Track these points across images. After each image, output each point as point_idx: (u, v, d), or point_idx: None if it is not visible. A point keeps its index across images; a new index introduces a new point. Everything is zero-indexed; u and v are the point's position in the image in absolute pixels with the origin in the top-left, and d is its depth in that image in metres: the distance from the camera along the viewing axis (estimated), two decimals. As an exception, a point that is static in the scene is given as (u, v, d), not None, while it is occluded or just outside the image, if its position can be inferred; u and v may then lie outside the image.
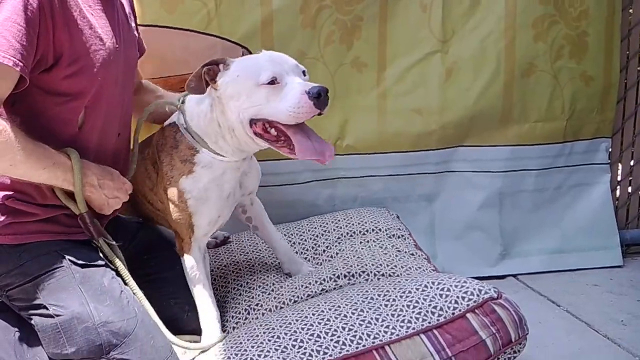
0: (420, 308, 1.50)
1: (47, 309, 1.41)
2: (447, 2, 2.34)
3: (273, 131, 1.52)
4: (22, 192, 1.43)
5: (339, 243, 2.02)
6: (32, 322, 1.44)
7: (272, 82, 1.47)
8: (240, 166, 1.67)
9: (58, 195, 1.46)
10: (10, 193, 1.43)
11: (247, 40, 2.18)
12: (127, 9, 1.66)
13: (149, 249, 1.76)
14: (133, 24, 1.70)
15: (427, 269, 1.81)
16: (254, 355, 1.43)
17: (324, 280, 1.75)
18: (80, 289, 1.42)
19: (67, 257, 1.45)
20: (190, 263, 1.65)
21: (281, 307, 1.70)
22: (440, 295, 1.51)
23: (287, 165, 2.30)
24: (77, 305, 1.40)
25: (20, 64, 1.27)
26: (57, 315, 1.40)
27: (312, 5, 2.22)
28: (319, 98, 1.43)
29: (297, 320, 1.51)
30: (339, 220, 2.13)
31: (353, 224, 2.10)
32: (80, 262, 1.46)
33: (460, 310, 1.49)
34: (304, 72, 1.55)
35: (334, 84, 2.31)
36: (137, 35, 1.73)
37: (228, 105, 1.53)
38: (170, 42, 2.05)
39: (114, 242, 1.54)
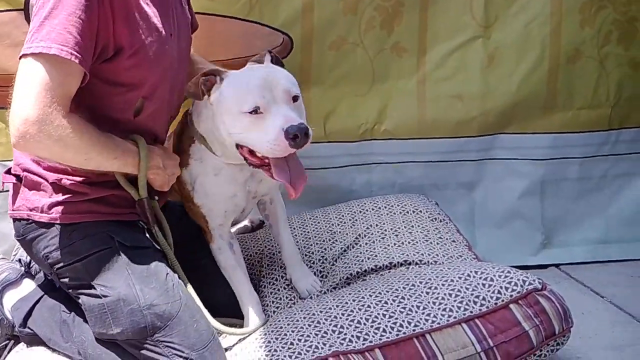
0: (462, 297, 1.49)
1: (94, 289, 1.44)
2: (490, -13, 2.29)
3: (259, 154, 1.51)
4: (74, 173, 1.46)
5: (380, 225, 1.99)
6: (80, 301, 1.48)
7: (255, 111, 1.46)
8: (242, 171, 1.65)
9: (119, 181, 1.50)
10: (62, 172, 1.47)
11: (288, 26, 2.18)
12: None
13: (192, 234, 1.79)
14: (186, 5, 1.72)
15: (468, 257, 1.80)
16: (294, 339, 1.45)
17: (366, 271, 1.75)
18: (127, 270, 1.45)
19: (115, 238, 1.48)
20: (216, 250, 1.69)
21: (324, 292, 1.71)
22: (483, 285, 1.50)
23: (324, 149, 2.31)
24: (123, 287, 1.43)
25: (85, 62, 1.31)
26: (104, 296, 1.43)
27: (354, -8, 2.21)
28: (296, 140, 1.42)
29: (337, 306, 1.52)
30: (378, 203, 2.11)
31: (393, 206, 2.08)
32: (128, 243, 1.49)
33: (503, 301, 1.48)
34: (295, 97, 1.52)
35: (373, 69, 2.30)
36: (189, 16, 1.75)
37: (219, 120, 1.54)
38: (212, 28, 2.06)
39: (167, 228, 1.57)
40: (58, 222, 1.47)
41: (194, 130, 1.64)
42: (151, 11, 1.47)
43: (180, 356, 1.40)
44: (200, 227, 1.74)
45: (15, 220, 1.54)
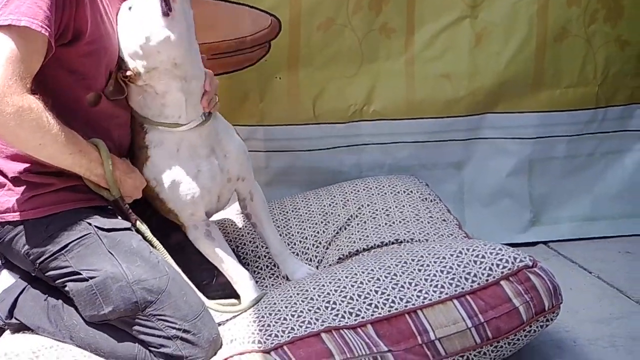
0: (454, 274, 1.51)
1: (80, 274, 1.44)
2: (477, -34, 2.29)
3: None
4: (37, 163, 1.44)
5: (371, 205, 2.00)
6: (66, 289, 1.47)
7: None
8: (201, 134, 1.62)
9: (88, 185, 1.49)
10: (26, 165, 1.46)
11: (276, 8, 2.18)
12: None
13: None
14: None
15: (459, 236, 1.81)
16: (287, 315, 1.46)
17: (357, 251, 1.77)
18: (110, 252, 1.45)
19: (93, 223, 1.47)
20: (193, 240, 1.69)
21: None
22: (475, 262, 1.52)
23: (313, 130, 2.31)
24: (109, 267, 1.42)
25: (50, 31, 1.31)
26: (91, 278, 1.42)
27: (341, -29, 2.20)
28: None
29: (330, 283, 1.53)
30: (369, 184, 2.12)
31: (384, 187, 2.09)
32: (106, 227, 1.48)
33: (494, 278, 1.50)
34: None
35: (361, 49, 2.29)
36: None
37: (155, 73, 1.52)
38: (200, 11, 2.02)
39: (144, 224, 1.55)
40: (32, 217, 1.46)
41: (141, 119, 1.61)
42: (110, 10, 1.51)
43: (174, 327, 1.41)
44: None
45: None
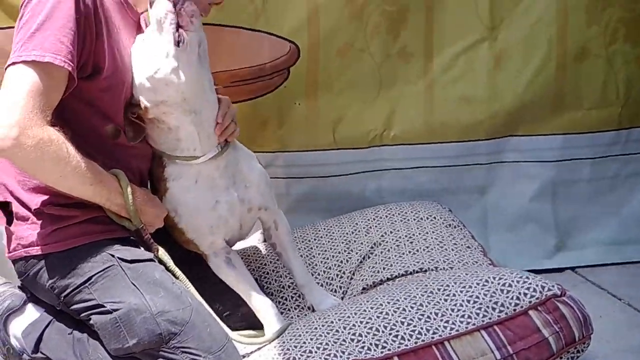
0: (480, 303, 1.48)
1: (104, 306, 1.43)
2: (494, -12, 2.29)
3: None
4: (59, 195, 1.45)
5: (394, 232, 1.98)
6: (91, 322, 1.47)
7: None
8: (219, 166, 1.60)
9: (109, 216, 1.49)
10: (48, 198, 1.46)
11: (294, 34, 2.18)
12: None
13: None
14: None
15: (484, 263, 1.79)
16: (312, 347, 1.44)
17: (381, 281, 1.75)
18: (133, 284, 1.44)
19: (115, 255, 1.47)
20: (214, 269, 1.68)
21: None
22: (502, 291, 1.49)
23: (334, 156, 2.31)
24: (133, 299, 1.42)
25: (73, 66, 1.33)
26: (115, 310, 1.42)
27: (358, -3, 2.20)
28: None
29: (355, 314, 1.51)
30: (391, 210, 2.10)
31: (407, 213, 2.07)
32: (129, 258, 1.48)
33: (522, 307, 1.47)
34: None
35: (380, 74, 2.29)
36: None
37: (165, 108, 1.51)
38: (219, 39, 2.06)
39: (166, 254, 1.55)
40: (56, 250, 1.47)
41: (159, 153, 1.60)
42: (128, 44, 1.52)
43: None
44: None
45: (14, 262, 1.53)
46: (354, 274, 1.88)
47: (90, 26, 1.38)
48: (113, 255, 1.47)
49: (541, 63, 2.35)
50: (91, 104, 1.47)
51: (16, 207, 1.51)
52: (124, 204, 1.48)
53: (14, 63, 1.31)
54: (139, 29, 1.61)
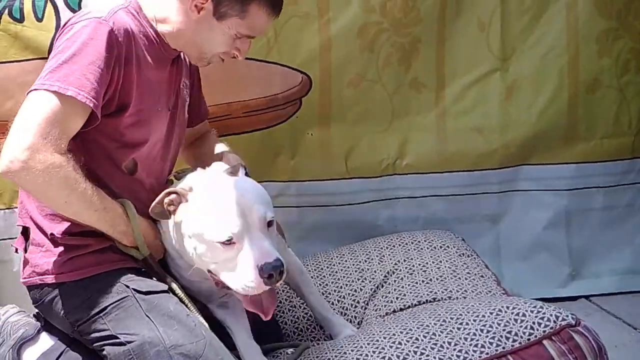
0: (494, 333, 1.46)
1: (117, 338, 1.43)
2: (505, 20, 2.32)
3: None
4: (73, 224, 1.46)
5: (407, 261, 1.98)
6: (104, 352, 1.46)
7: (229, 241, 1.37)
8: None
9: (118, 246, 1.50)
10: (64, 226, 1.47)
11: (306, 66, 2.21)
12: (184, 75, 1.72)
13: None
14: (187, 90, 1.76)
15: (497, 293, 1.77)
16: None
17: (394, 311, 1.74)
18: (147, 316, 1.43)
19: (130, 286, 1.47)
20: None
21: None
22: (515, 320, 1.48)
23: (347, 185, 2.32)
24: (147, 331, 1.41)
25: (97, 103, 1.36)
26: (129, 342, 1.41)
27: (370, 29, 2.24)
28: (271, 278, 1.36)
29: (368, 344, 1.50)
30: (404, 239, 2.09)
31: (420, 242, 2.06)
32: (143, 290, 1.47)
33: (536, 337, 1.45)
34: (269, 222, 1.42)
35: (392, 104, 2.32)
36: (187, 99, 1.78)
37: (186, 242, 1.45)
38: (232, 70, 2.09)
39: (177, 284, 1.54)
40: (70, 279, 1.47)
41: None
42: (157, 79, 1.55)
43: None
44: None
45: (29, 288, 1.54)
46: (367, 303, 1.87)
47: (119, 65, 1.41)
48: (128, 286, 1.47)
49: (553, 94, 2.37)
50: (113, 138, 1.49)
51: (34, 233, 1.53)
52: (127, 231, 1.48)
53: (36, 89, 1.34)
54: (174, 65, 1.64)
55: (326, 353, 1.54)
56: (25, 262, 1.54)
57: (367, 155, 2.33)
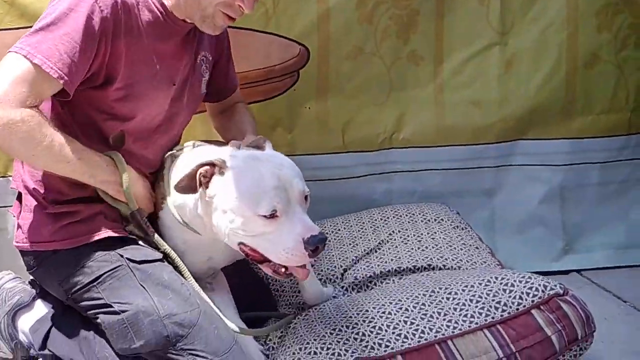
0: (483, 303, 1.49)
1: (111, 307, 1.44)
2: (505, -7, 2.30)
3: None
4: (61, 192, 1.48)
5: (402, 231, 1.99)
6: (98, 320, 1.48)
7: (272, 215, 1.36)
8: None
9: (103, 197, 1.50)
10: (50, 192, 1.49)
11: (304, 37, 2.20)
12: (204, 49, 1.71)
13: None
14: (206, 65, 1.74)
15: (492, 264, 1.80)
16: (316, 348, 1.45)
17: (389, 272, 1.76)
18: (142, 285, 1.45)
19: (124, 255, 1.48)
20: None
21: (343, 293, 1.72)
22: (504, 291, 1.50)
23: (343, 159, 2.32)
24: (141, 300, 1.43)
25: (66, 77, 1.34)
26: (123, 311, 1.43)
27: (369, 1, 2.22)
28: (316, 251, 1.36)
29: (358, 314, 1.53)
30: (399, 211, 2.11)
31: (415, 214, 2.08)
32: (137, 259, 1.49)
33: (524, 306, 1.48)
34: (306, 197, 1.43)
35: (390, 77, 2.31)
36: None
37: (217, 216, 1.41)
38: (233, 41, 2.08)
39: (166, 246, 1.55)
40: (64, 247, 1.49)
41: (168, 205, 1.54)
42: (159, 57, 1.53)
43: None
44: None
45: (22, 254, 1.55)
46: (358, 261, 1.88)
47: (105, 39, 1.40)
48: (122, 255, 1.48)
49: (551, 68, 2.36)
50: (101, 110, 1.49)
51: (26, 199, 1.54)
52: (111, 180, 1.48)
53: (9, 51, 1.35)
54: (187, 38, 1.62)
55: (314, 323, 1.56)
56: (18, 227, 1.55)
57: (364, 129, 2.33)
